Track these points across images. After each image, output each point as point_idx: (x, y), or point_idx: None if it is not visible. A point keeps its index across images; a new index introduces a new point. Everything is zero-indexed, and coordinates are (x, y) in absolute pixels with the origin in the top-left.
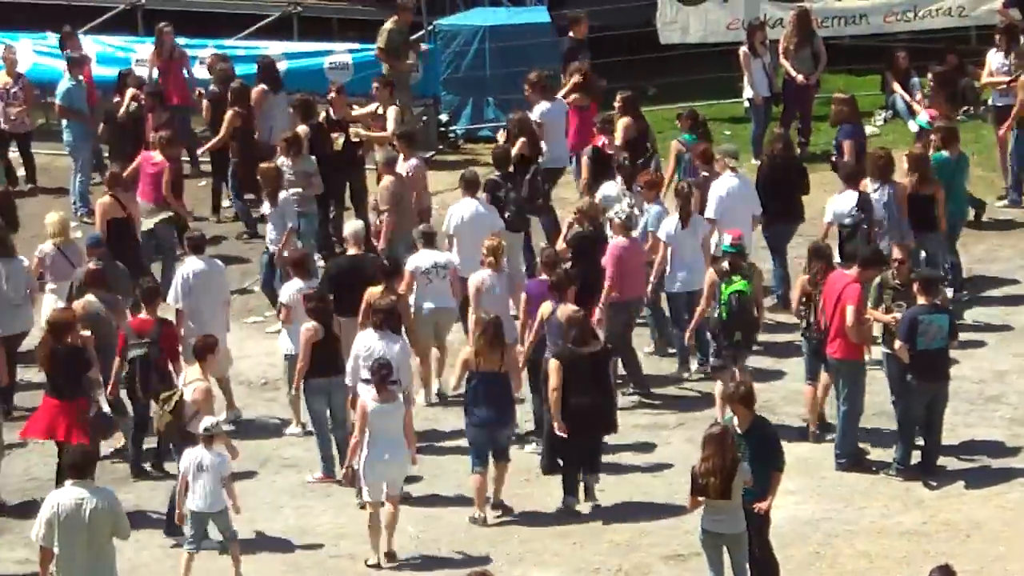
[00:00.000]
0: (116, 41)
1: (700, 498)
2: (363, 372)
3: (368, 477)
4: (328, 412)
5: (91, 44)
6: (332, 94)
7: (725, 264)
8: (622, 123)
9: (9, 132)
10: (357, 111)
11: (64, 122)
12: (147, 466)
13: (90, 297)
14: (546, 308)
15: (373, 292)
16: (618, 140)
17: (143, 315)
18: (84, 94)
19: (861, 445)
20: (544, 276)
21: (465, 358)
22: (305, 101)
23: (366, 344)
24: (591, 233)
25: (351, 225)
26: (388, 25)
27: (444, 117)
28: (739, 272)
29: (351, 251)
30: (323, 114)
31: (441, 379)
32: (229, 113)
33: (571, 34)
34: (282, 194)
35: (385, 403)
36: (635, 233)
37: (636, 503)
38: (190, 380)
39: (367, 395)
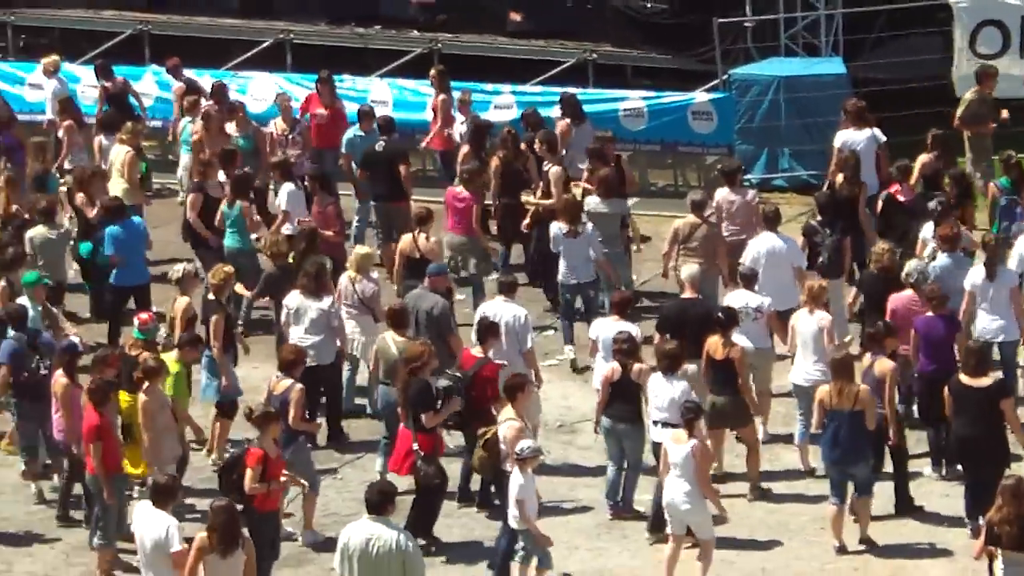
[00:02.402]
0: (412, 84)
1: (993, 548)
2: (655, 413)
3: (671, 512)
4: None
5: (385, 88)
6: None
7: None
8: (920, 159)
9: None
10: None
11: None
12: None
13: (393, 335)
14: (865, 361)
15: (713, 343)
16: (914, 178)
17: (475, 350)
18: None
19: None
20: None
21: (820, 398)
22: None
23: (656, 386)
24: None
25: (687, 269)
26: (969, 96)
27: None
28: None
29: (687, 294)
30: None
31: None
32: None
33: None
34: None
35: (680, 444)
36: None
37: None
38: (504, 419)
39: (666, 436)
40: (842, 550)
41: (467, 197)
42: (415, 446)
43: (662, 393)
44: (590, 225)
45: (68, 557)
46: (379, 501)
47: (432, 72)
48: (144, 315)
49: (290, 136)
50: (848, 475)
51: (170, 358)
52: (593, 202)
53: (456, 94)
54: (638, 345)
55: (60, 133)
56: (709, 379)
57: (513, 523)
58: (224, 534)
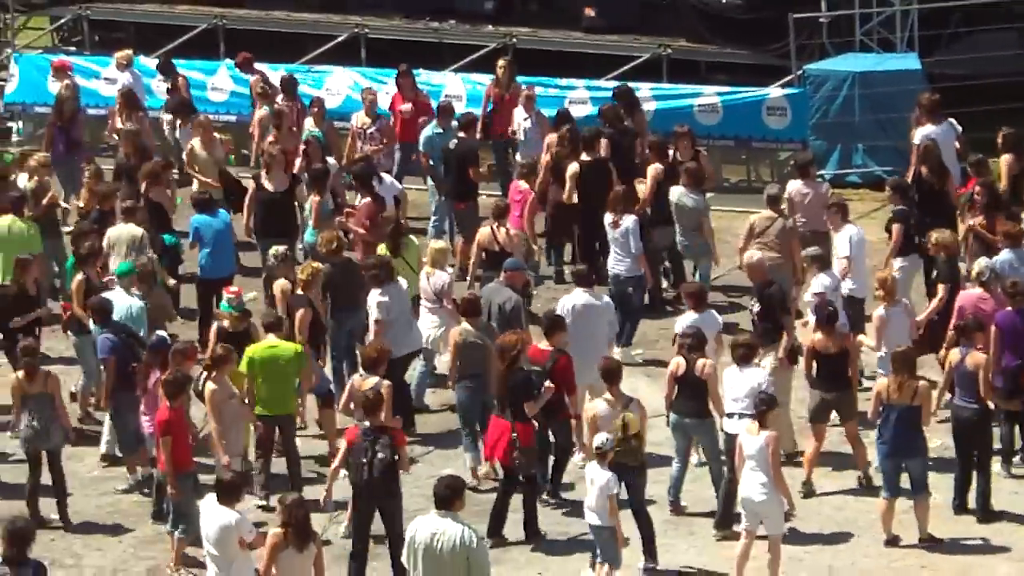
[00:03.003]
0: (486, 80)
1: None
2: (730, 405)
3: (746, 505)
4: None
5: (460, 83)
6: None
7: None
8: (1004, 160)
9: None
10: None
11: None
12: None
13: (465, 325)
14: (955, 355)
15: (820, 339)
16: (1003, 182)
17: (543, 344)
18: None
19: None
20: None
21: (878, 390)
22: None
23: (730, 378)
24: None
25: (748, 255)
26: None
27: None
28: None
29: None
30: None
31: None
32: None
33: None
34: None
35: (753, 436)
36: None
37: None
38: (599, 405)
39: (740, 428)
40: (892, 542)
41: (525, 191)
42: (514, 435)
43: (736, 384)
44: (631, 218)
45: (136, 551)
46: (447, 496)
47: (500, 63)
48: (234, 288)
49: (370, 131)
50: (903, 469)
51: (285, 341)
52: (678, 192)
53: (523, 89)
54: (704, 340)
55: (118, 124)
56: (816, 374)
57: (593, 519)
58: (299, 529)
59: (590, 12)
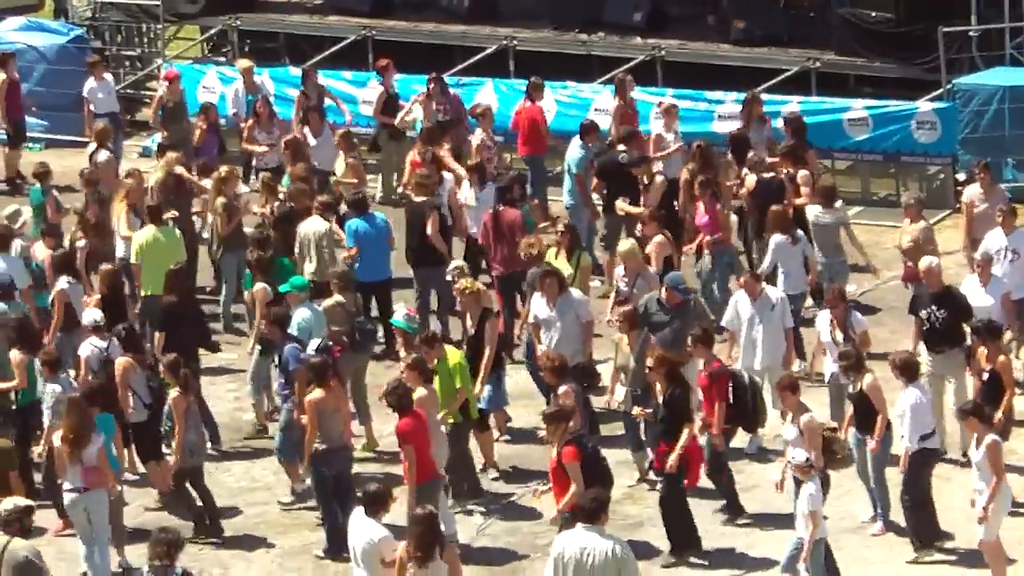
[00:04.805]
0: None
1: None
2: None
3: None
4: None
5: (608, 96)
6: None
7: None
8: None
9: None
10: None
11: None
12: None
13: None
14: None
15: (979, 354)
16: None
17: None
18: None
19: None
20: None
21: None
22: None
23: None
24: None
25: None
26: None
27: (961, 176)
28: None
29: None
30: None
31: None
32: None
33: None
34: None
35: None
36: None
37: None
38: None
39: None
40: None
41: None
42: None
43: (900, 402)
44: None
45: (283, 562)
46: (594, 510)
47: (618, 78)
48: (411, 307)
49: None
50: None
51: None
52: (814, 212)
53: (666, 100)
54: (862, 357)
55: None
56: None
57: (801, 531)
58: (420, 543)
59: (739, 24)
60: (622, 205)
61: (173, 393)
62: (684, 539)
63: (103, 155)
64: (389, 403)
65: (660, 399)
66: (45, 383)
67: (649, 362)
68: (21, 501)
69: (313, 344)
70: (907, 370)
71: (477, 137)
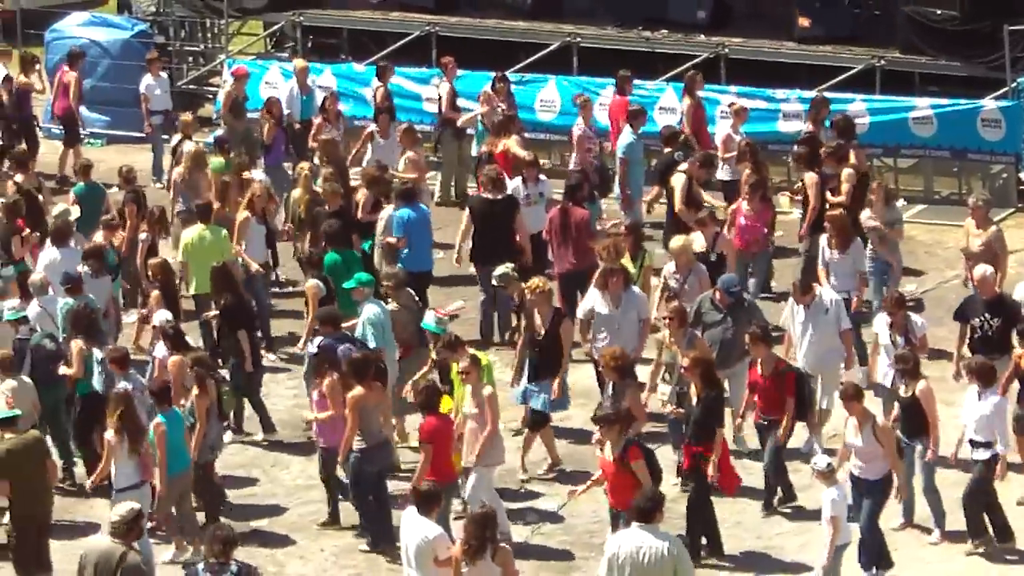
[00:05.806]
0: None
1: None
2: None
3: None
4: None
5: (673, 95)
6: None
7: None
8: None
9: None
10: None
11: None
12: None
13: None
14: None
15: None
16: None
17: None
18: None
19: None
20: None
21: None
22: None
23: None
24: None
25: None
26: None
27: None
28: None
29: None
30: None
31: None
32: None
33: None
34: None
35: None
36: None
37: None
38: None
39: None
40: None
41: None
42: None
43: (973, 410)
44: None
45: (337, 559)
46: (648, 509)
47: (688, 76)
48: (443, 311)
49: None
50: None
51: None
52: (864, 215)
53: (737, 102)
54: (918, 362)
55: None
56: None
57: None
58: (470, 541)
59: (804, 22)
60: (708, 198)
61: (194, 392)
62: (711, 543)
63: (188, 146)
64: (418, 402)
65: (694, 400)
66: (117, 380)
67: (684, 362)
68: (134, 506)
69: (315, 342)
70: (984, 375)
71: (578, 128)
